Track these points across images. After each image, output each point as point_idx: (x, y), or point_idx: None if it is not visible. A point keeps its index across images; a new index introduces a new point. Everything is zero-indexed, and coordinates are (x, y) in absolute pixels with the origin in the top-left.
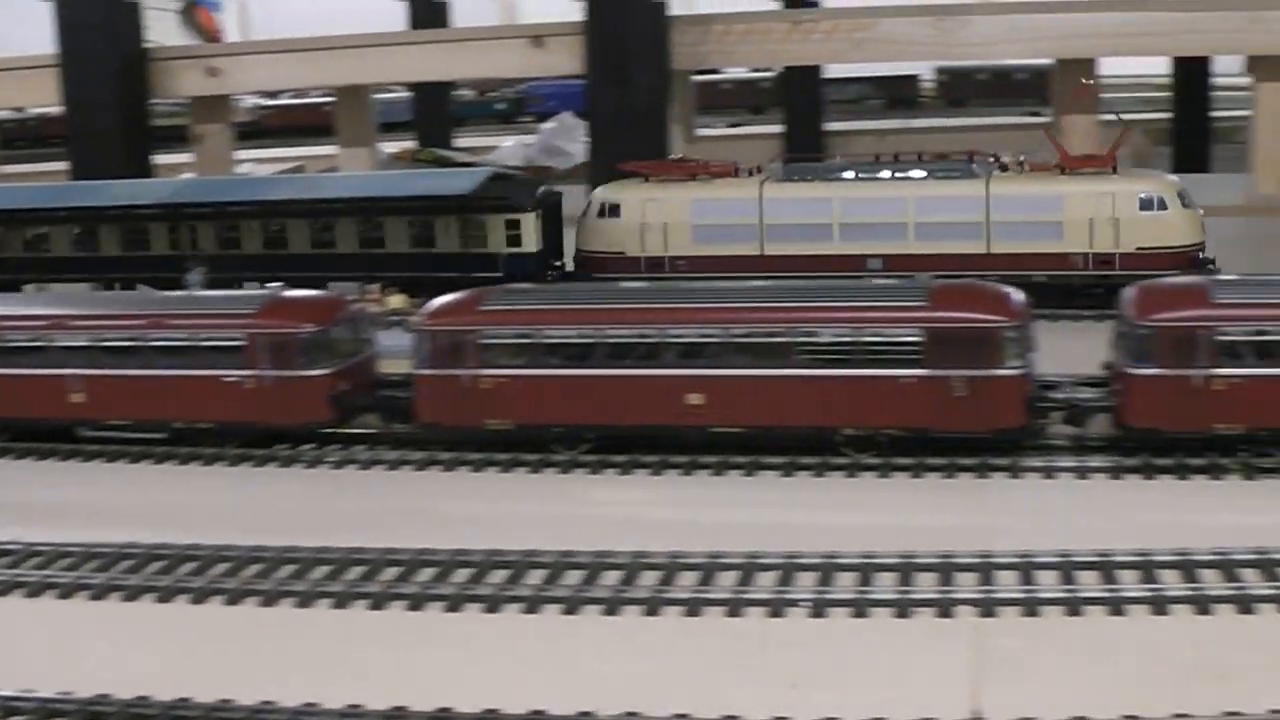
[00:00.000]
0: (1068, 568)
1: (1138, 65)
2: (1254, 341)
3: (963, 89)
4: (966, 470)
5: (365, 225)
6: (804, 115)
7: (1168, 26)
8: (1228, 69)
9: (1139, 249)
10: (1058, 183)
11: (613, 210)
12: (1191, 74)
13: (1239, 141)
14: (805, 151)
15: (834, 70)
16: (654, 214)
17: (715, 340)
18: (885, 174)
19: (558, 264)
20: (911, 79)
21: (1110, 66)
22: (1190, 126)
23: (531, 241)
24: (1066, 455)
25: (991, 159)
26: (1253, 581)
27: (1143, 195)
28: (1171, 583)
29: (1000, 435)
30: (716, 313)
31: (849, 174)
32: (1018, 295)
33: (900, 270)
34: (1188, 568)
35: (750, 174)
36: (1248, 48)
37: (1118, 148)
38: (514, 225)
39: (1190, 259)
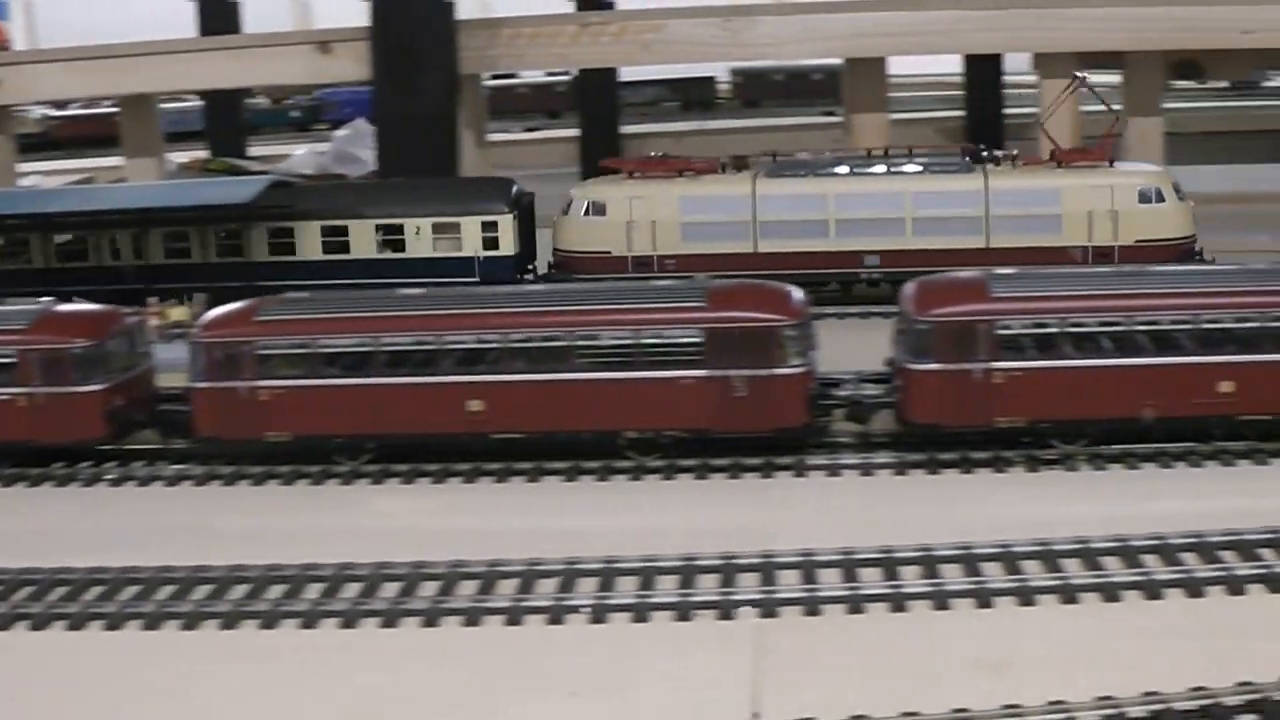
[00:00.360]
0: (850, 565)
1: (932, 64)
2: (1033, 334)
3: (758, 90)
4: (751, 470)
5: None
6: (600, 119)
7: (956, 25)
8: (1018, 67)
9: (1138, 241)
10: (1056, 176)
11: (597, 209)
12: (983, 72)
13: (1031, 138)
14: (601, 156)
15: (630, 73)
16: (641, 212)
17: (494, 345)
18: (879, 169)
19: (530, 266)
20: (707, 81)
21: (907, 65)
22: (984, 123)
23: (509, 244)
24: (851, 452)
25: (984, 152)
26: (1034, 573)
27: (1142, 188)
28: (953, 577)
29: (783, 434)
30: (495, 318)
31: (842, 169)
32: (798, 294)
33: (898, 267)
34: (970, 561)
35: (739, 170)
36: (1034, 45)
37: (1112, 140)
38: (491, 227)
39: (1185, 250)
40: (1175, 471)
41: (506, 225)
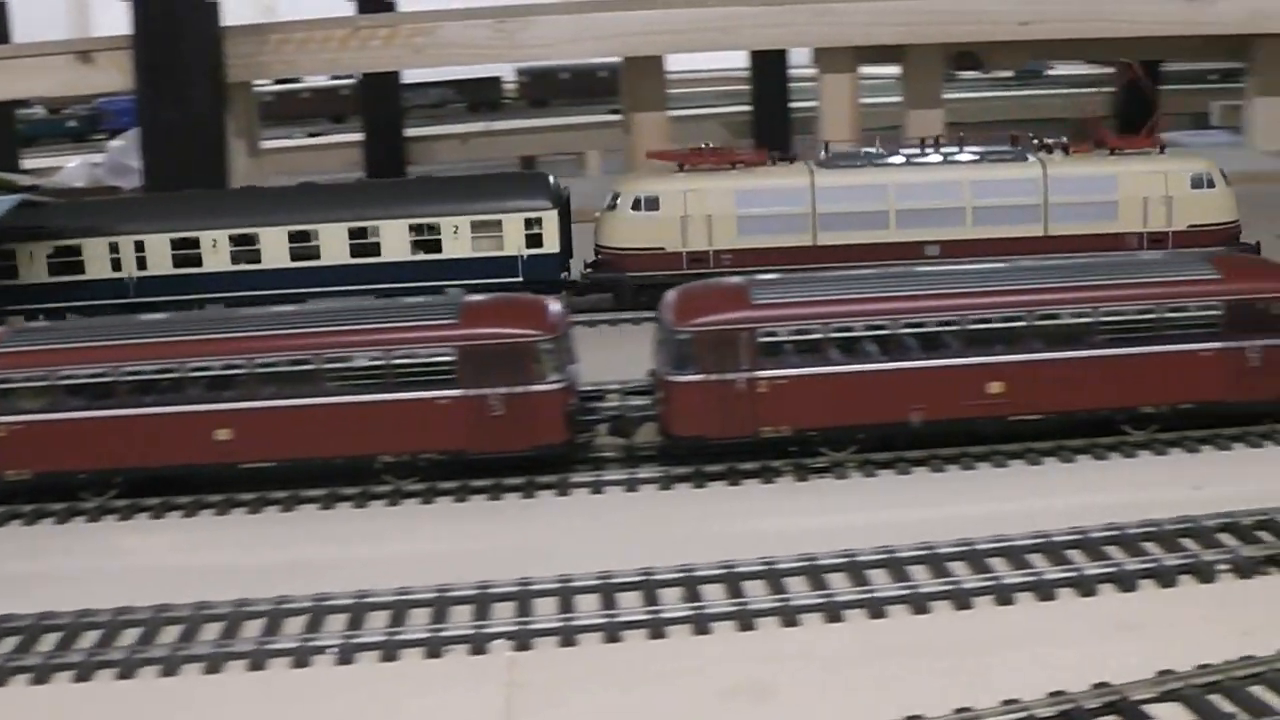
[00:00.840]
0: (609, 590)
1: (719, 59)
2: (796, 341)
3: (544, 89)
4: (513, 490)
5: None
6: (384, 122)
7: (735, 22)
8: (803, 61)
9: (1190, 226)
10: (1111, 163)
11: (649, 203)
12: (768, 67)
13: (810, 132)
14: (386, 161)
15: (415, 74)
16: (696, 206)
17: (241, 371)
18: (935, 158)
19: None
20: (493, 80)
21: (693, 61)
22: (770, 118)
23: (553, 241)
24: (616, 467)
25: (1034, 140)
26: (798, 591)
27: (1194, 173)
28: (715, 598)
29: (543, 453)
30: (241, 342)
31: (898, 159)
32: (555, 306)
33: (959, 256)
34: (732, 581)
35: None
36: (812, 40)
37: (1157, 127)
38: (534, 224)
39: (1232, 235)
40: (947, 475)
41: (551, 221)
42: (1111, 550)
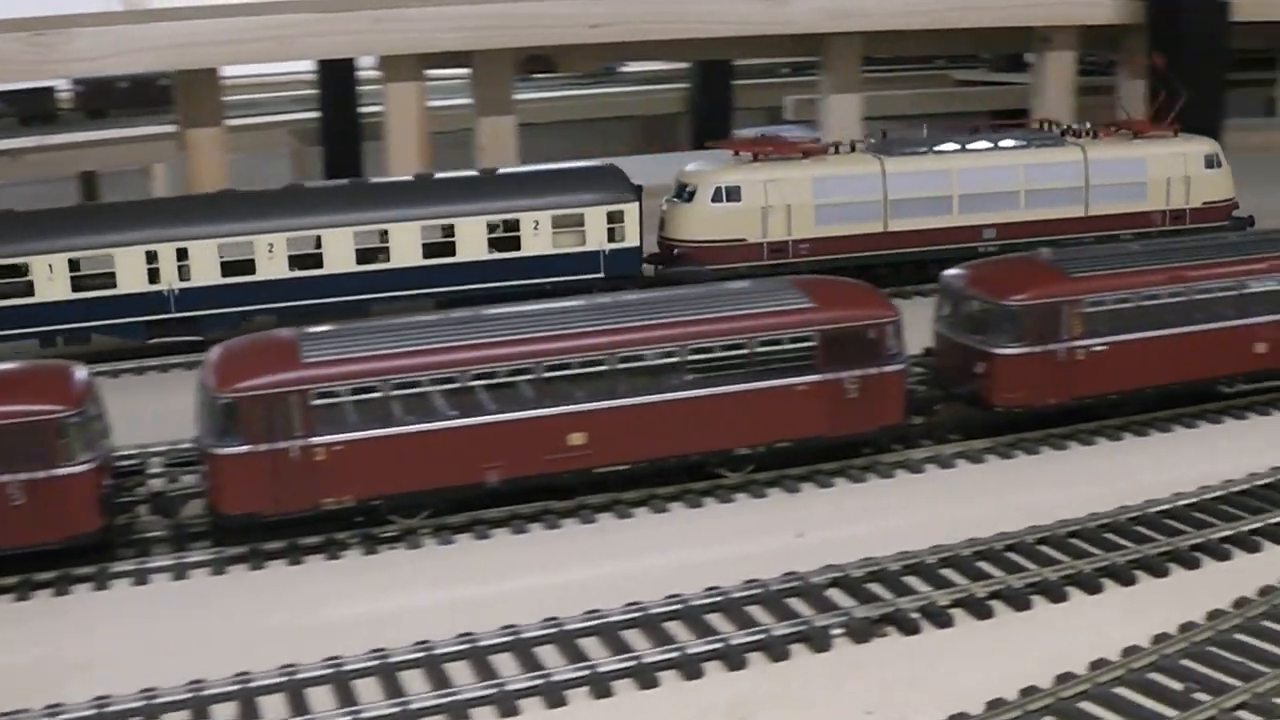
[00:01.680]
0: (152, 712)
1: (288, 64)
2: (354, 400)
3: (102, 99)
4: (44, 587)
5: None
6: None
7: (290, 31)
8: (372, 64)
9: (1204, 204)
10: (1139, 146)
11: (731, 194)
12: (336, 73)
13: (373, 138)
14: None
15: None
16: (776, 196)
17: None
18: (984, 144)
19: None
20: (47, 91)
21: (262, 66)
22: (340, 125)
23: (635, 235)
24: (163, 550)
25: (1057, 126)
26: (370, 699)
27: (1206, 154)
28: (276, 713)
29: (75, 543)
30: None
31: (952, 145)
32: (80, 374)
33: (1012, 239)
34: (295, 689)
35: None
36: (372, 48)
37: (1174, 113)
38: (617, 218)
39: (1232, 210)
40: (529, 536)
41: (632, 214)
42: (716, 620)
